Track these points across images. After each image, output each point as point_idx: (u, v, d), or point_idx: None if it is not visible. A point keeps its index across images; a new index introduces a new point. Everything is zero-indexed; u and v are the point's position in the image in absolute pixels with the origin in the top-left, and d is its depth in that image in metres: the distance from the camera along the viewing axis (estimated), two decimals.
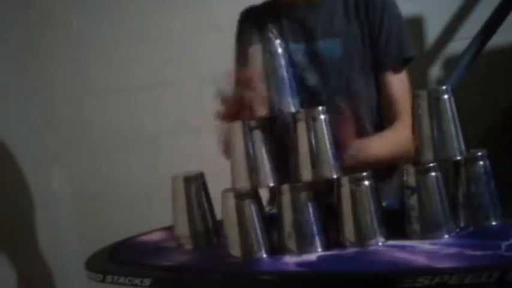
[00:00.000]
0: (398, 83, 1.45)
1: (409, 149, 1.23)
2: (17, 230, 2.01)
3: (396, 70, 1.45)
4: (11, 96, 2.09)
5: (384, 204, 1.30)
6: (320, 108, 1.12)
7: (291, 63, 1.18)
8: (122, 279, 1.14)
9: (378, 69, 1.46)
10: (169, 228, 1.48)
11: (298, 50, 1.46)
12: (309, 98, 1.39)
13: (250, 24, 1.56)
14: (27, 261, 2.03)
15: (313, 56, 1.46)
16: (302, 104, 1.18)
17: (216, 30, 2.22)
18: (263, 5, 1.59)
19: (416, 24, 2.16)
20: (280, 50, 1.15)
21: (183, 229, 1.27)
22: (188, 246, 1.26)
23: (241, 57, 1.56)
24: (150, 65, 2.25)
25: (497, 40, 1.94)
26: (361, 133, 1.32)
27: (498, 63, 2.06)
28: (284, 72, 1.15)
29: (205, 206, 1.28)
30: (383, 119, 1.48)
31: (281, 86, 1.15)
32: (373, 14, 1.44)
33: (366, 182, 1.10)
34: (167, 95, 2.25)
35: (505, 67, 2.08)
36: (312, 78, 1.46)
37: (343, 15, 1.46)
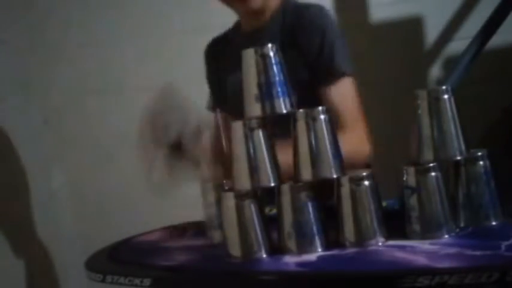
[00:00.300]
0: (336, 96, 1.45)
1: (356, 158, 1.29)
2: (17, 229, 2.01)
3: (330, 83, 1.46)
4: (11, 96, 2.09)
5: (384, 204, 1.31)
6: (320, 108, 1.12)
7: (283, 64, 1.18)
8: (122, 279, 1.14)
9: (316, 87, 1.47)
10: (169, 228, 1.48)
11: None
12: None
13: (212, 56, 1.69)
14: (27, 261, 2.03)
15: None
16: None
17: (216, 30, 2.23)
18: (225, 34, 1.70)
19: (416, 24, 2.16)
20: (271, 53, 1.16)
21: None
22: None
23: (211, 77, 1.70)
24: (150, 65, 2.25)
25: (497, 40, 1.94)
26: None
27: (498, 63, 2.06)
28: (275, 74, 1.15)
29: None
30: None
31: (273, 88, 1.15)
32: (302, 36, 1.47)
33: (366, 182, 1.10)
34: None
35: (505, 67, 2.08)
36: None
37: (281, 40, 1.45)
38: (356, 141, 1.39)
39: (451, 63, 2.08)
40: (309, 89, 1.45)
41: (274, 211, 1.16)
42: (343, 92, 1.47)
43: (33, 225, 2.07)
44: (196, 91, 2.25)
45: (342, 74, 1.47)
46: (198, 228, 1.42)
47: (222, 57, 1.65)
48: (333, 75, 1.46)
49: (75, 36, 2.27)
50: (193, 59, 2.23)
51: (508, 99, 2.06)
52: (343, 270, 1.02)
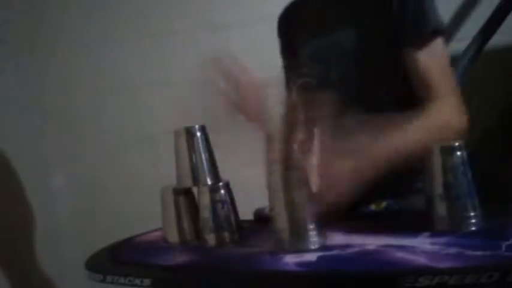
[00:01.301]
0: (425, 60, 1.28)
1: (449, 132, 1.18)
2: (17, 229, 2.01)
3: (421, 46, 1.29)
4: (11, 96, 2.09)
5: (384, 204, 1.31)
6: None
7: None
8: (122, 279, 1.14)
9: (403, 50, 1.31)
10: None
11: (321, 44, 1.43)
12: (333, 91, 1.35)
13: (285, 27, 1.56)
14: (27, 261, 2.03)
15: (335, 48, 1.39)
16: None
17: (216, 30, 2.23)
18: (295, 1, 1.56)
19: None
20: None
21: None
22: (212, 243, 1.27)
23: (286, 51, 1.57)
24: (150, 64, 2.25)
25: (497, 40, 1.94)
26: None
27: (498, 63, 2.06)
28: None
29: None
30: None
31: None
32: None
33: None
34: (167, 95, 2.25)
35: (505, 67, 2.08)
36: (335, 71, 1.39)
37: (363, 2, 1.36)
38: (452, 112, 1.25)
39: (451, 63, 2.08)
40: (392, 55, 1.30)
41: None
42: (435, 56, 1.29)
43: (32, 225, 2.07)
44: (197, 91, 2.27)
45: (434, 33, 1.30)
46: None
47: (297, 24, 1.52)
48: (422, 34, 1.28)
49: (75, 36, 2.27)
50: (194, 59, 2.25)
51: (508, 99, 2.07)
52: (343, 270, 1.02)
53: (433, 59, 1.29)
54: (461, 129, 1.25)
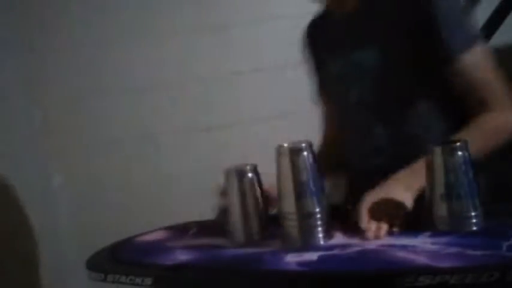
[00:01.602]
0: (472, 69, 1.26)
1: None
2: (17, 229, 2.01)
3: (463, 56, 1.25)
4: (11, 96, 2.09)
5: None
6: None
7: None
8: (123, 279, 1.14)
9: (441, 64, 1.27)
10: (169, 228, 1.48)
11: (342, 62, 1.41)
12: (356, 110, 1.38)
13: (309, 40, 1.56)
14: (27, 260, 2.03)
15: (357, 66, 1.37)
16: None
17: (216, 30, 2.23)
18: (319, 16, 1.54)
19: None
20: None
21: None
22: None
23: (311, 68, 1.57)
24: (151, 64, 2.25)
25: (497, 40, 1.94)
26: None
27: (498, 63, 2.06)
28: None
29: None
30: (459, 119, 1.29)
31: None
32: (417, 7, 1.26)
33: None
34: (167, 95, 2.26)
35: (505, 67, 2.08)
36: (357, 90, 1.38)
37: (385, 17, 1.32)
38: (504, 117, 1.24)
39: None
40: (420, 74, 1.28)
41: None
42: (479, 61, 1.27)
43: (32, 225, 2.07)
44: (197, 91, 2.27)
45: (473, 40, 1.26)
46: (199, 228, 1.42)
47: (319, 40, 1.52)
48: (462, 43, 1.24)
49: (75, 36, 2.27)
50: (194, 58, 2.25)
51: None
52: (344, 270, 1.02)
53: (478, 69, 1.27)
54: None
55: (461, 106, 1.28)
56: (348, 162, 1.47)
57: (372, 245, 1.09)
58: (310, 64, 1.57)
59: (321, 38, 1.51)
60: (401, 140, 1.34)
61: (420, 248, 1.03)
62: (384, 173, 1.19)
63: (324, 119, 1.60)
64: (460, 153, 1.10)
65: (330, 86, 1.50)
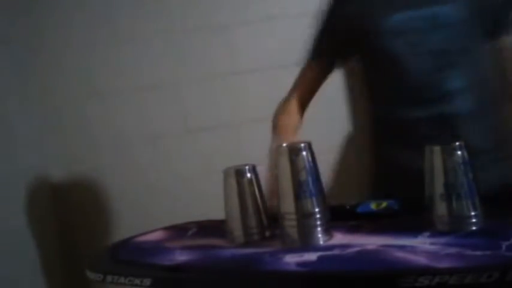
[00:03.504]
0: None
1: None
2: (17, 229, 2.01)
3: None
4: (11, 96, 2.09)
5: (384, 204, 1.31)
6: None
7: None
8: (122, 279, 1.14)
9: (497, 33, 1.39)
10: (168, 228, 1.48)
11: (418, 15, 1.44)
12: (431, 61, 1.41)
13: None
14: (27, 260, 2.03)
15: (433, 20, 1.43)
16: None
17: (216, 30, 2.23)
18: None
19: None
20: None
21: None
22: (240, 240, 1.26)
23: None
24: (151, 65, 2.25)
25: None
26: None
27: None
28: None
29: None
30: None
31: None
32: None
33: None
34: (167, 95, 2.26)
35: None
36: (433, 42, 1.43)
37: None
38: None
39: None
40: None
41: None
42: None
43: (32, 225, 2.07)
44: (197, 91, 2.27)
45: None
46: (198, 228, 1.42)
47: None
48: None
49: (75, 37, 2.27)
50: (194, 59, 2.25)
51: None
52: (343, 270, 1.02)
53: None
54: None
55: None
56: (403, 111, 1.47)
57: (371, 245, 1.09)
58: (331, 26, 1.55)
59: None
60: (472, 84, 1.40)
61: (419, 248, 1.03)
62: (449, 117, 1.29)
63: (304, 78, 1.61)
64: (459, 153, 1.10)
65: (378, 38, 1.48)
